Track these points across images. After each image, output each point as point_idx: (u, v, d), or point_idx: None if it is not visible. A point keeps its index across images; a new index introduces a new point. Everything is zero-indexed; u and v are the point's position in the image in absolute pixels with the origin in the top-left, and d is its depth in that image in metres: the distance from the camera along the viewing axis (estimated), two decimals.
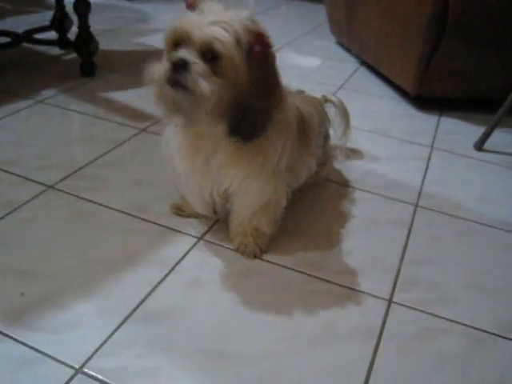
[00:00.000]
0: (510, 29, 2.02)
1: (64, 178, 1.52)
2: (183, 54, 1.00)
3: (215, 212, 1.32)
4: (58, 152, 1.66)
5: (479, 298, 1.25)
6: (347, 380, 1.00)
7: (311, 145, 1.36)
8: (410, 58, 2.14)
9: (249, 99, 1.03)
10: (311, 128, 1.34)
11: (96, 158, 1.63)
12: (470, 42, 2.03)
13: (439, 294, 1.25)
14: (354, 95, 2.34)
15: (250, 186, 1.20)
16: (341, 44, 3.01)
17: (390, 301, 1.21)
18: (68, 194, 1.45)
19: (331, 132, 1.62)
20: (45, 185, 1.48)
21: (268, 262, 1.29)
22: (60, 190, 1.46)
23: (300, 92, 1.49)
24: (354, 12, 2.60)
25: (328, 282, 1.24)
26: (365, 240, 1.41)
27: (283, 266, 1.28)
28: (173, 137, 1.22)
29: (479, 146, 1.97)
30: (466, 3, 1.93)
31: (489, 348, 1.12)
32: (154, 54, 1.07)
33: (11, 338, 1.02)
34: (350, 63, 2.77)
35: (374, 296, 1.22)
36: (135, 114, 1.93)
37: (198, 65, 0.99)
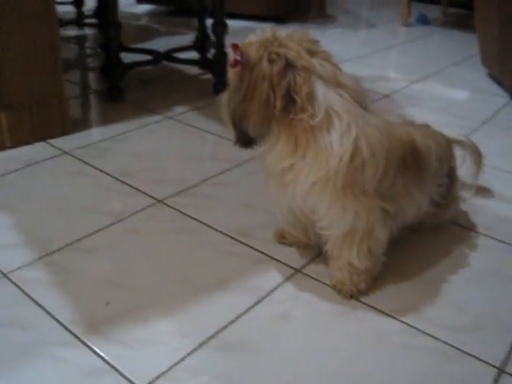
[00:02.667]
0: None
1: (175, 194, 1.52)
2: None
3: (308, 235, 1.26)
4: (175, 167, 1.67)
5: None
6: None
7: (425, 180, 1.23)
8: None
9: (233, 104, 1.08)
10: (425, 162, 1.21)
11: (211, 177, 1.62)
12: None
13: None
14: (497, 132, 2.14)
15: (319, 202, 1.11)
16: (492, 76, 2.79)
17: (502, 370, 1.05)
18: (174, 209, 1.45)
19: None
20: (155, 198, 1.49)
21: (366, 304, 1.18)
22: (168, 205, 1.47)
23: (425, 126, 1.36)
24: (508, 42, 2.40)
25: (430, 336, 1.11)
26: (482, 295, 1.24)
27: (382, 312, 1.16)
28: None
29: None
30: None
31: None
32: None
33: (86, 345, 1.02)
34: (499, 97, 2.55)
35: (483, 361, 1.06)
36: None
37: None
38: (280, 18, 3.72)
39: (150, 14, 3.86)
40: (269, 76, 1.03)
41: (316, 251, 1.32)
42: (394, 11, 4.25)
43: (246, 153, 1.73)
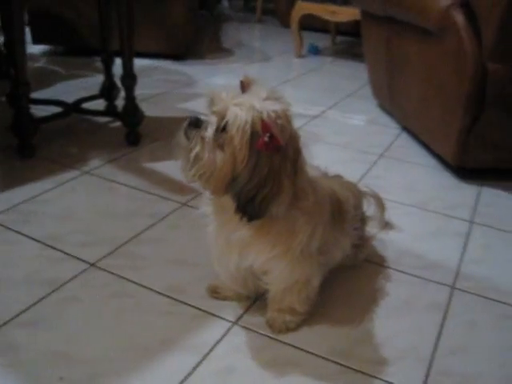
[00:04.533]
0: None
1: (105, 256, 1.57)
2: (203, 116, 1.12)
3: (248, 288, 1.38)
4: (100, 227, 1.72)
5: None
6: None
7: (346, 227, 1.39)
8: (450, 128, 2.15)
9: (247, 183, 1.07)
10: (346, 211, 1.38)
11: (137, 234, 1.69)
12: (509, 115, 2.03)
13: None
14: (394, 165, 2.35)
15: (275, 267, 1.25)
16: (383, 107, 3.03)
17: None
18: (109, 272, 1.51)
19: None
20: (87, 262, 1.54)
21: (301, 349, 1.29)
22: (101, 269, 1.52)
23: (338, 176, 1.53)
24: (394, 79, 2.63)
25: (359, 372, 1.24)
26: (398, 326, 1.40)
27: (314, 354, 1.28)
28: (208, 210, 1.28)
29: None
30: (504, 80, 1.94)
31: None
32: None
33: None
34: (391, 129, 2.78)
35: None
36: (177, 187, 1.99)
37: (207, 128, 1.09)
38: (178, 55, 3.82)
39: (47, 54, 3.83)
40: (292, 161, 1.09)
41: (246, 303, 1.43)
42: (286, 42, 4.47)
43: (166, 206, 1.84)
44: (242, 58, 4.05)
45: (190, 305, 1.41)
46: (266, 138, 1.03)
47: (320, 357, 1.28)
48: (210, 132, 1.09)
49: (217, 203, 1.22)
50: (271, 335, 1.33)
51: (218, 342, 1.30)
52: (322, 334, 1.35)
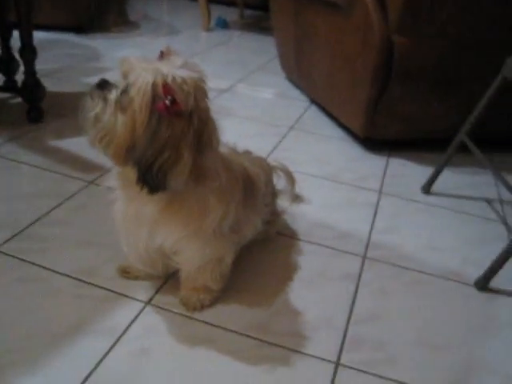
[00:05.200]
0: (453, 77, 2.09)
1: (8, 240, 1.49)
2: (111, 78, 1.07)
3: (158, 269, 1.34)
4: (2, 209, 1.62)
5: (427, 357, 1.27)
6: None
7: (257, 204, 1.38)
8: (357, 100, 2.18)
9: (145, 149, 1.02)
10: (258, 188, 1.36)
11: (42, 216, 1.61)
12: (415, 87, 2.08)
13: (387, 353, 1.27)
14: (304, 137, 2.37)
15: (186, 247, 1.22)
16: (291, 80, 3.04)
17: (338, 363, 1.22)
18: (13, 257, 1.42)
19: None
20: None
21: (216, 326, 1.28)
22: (5, 254, 1.43)
23: (247, 152, 1.51)
24: (302, 51, 2.64)
25: (275, 345, 1.25)
26: (313, 297, 1.42)
27: (231, 331, 1.27)
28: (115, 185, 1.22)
29: (426, 189, 2.01)
30: (409, 53, 1.98)
31: None
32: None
33: None
34: (300, 101, 2.80)
35: (321, 359, 1.23)
36: (84, 165, 1.91)
37: (111, 90, 1.05)
38: (82, 28, 3.67)
39: None
40: (198, 132, 1.04)
41: (158, 282, 1.40)
42: (194, 16, 4.39)
43: (73, 185, 1.76)
44: (149, 32, 3.95)
45: (99, 286, 1.36)
46: (166, 101, 0.99)
47: (236, 332, 1.27)
48: (113, 94, 1.04)
49: (123, 176, 1.16)
50: (186, 314, 1.31)
51: (131, 324, 1.26)
52: (238, 309, 1.34)
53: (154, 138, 1.00)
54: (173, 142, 1.01)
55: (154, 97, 0.99)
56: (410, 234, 1.74)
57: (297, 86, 2.97)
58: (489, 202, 2.00)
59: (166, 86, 0.99)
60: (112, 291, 1.35)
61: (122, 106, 1.03)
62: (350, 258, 1.59)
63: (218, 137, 1.12)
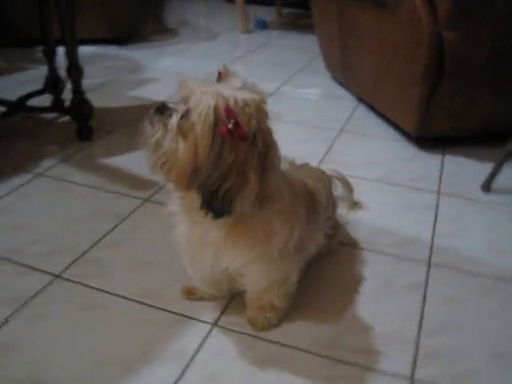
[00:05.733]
0: (506, 71, 2.01)
1: (70, 265, 1.49)
2: (171, 103, 1.05)
3: (223, 290, 1.34)
4: (60, 234, 1.63)
5: (506, 369, 1.22)
6: None
7: (320, 219, 1.35)
8: (408, 98, 2.13)
9: (209, 175, 0.99)
10: (319, 203, 1.34)
11: (100, 239, 1.61)
12: (467, 82, 2.02)
13: (463, 367, 1.22)
14: (354, 138, 2.32)
15: (252, 269, 1.20)
16: (336, 80, 2.99)
17: (412, 379, 1.18)
18: (76, 282, 1.43)
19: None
20: (52, 274, 1.46)
21: (286, 345, 1.26)
22: (67, 280, 1.44)
23: (304, 165, 1.47)
24: (347, 51, 2.59)
25: (347, 363, 1.21)
26: (380, 310, 1.38)
27: (300, 349, 1.25)
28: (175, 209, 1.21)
29: (486, 187, 1.94)
30: (460, 48, 1.92)
31: None
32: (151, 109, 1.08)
33: None
34: (347, 101, 2.75)
35: (396, 375, 1.19)
36: (137, 182, 1.91)
37: (172, 115, 1.03)
38: (121, 40, 3.69)
39: None
40: (261, 155, 1.01)
41: (222, 302, 1.38)
42: (232, 18, 4.37)
43: (128, 204, 1.76)
44: (188, 38, 3.94)
45: (165, 309, 1.35)
46: (229, 125, 0.96)
47: (306, 351, 1.25)
48: (174, 118, 1.03)
49: (185, 202, 1.14)
50: (253, 334, 1.29)
51: (200, 347, 1.25)
52: (305, 326, 1.32)
53: (217, 163, 0.98)
54: (237, 166, 0.98)
55: (217, 121, 0.97)
56: (475, 237, 1.68)
57: (343, 85, 2.91)
58: None
59: (228, 109, 0.97)
60: (177, 314, 1.34)
61: (183, 131, 1.01)
62: (415, 265, 1.54)
63: (280, 156, 1.10)
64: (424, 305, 1.40)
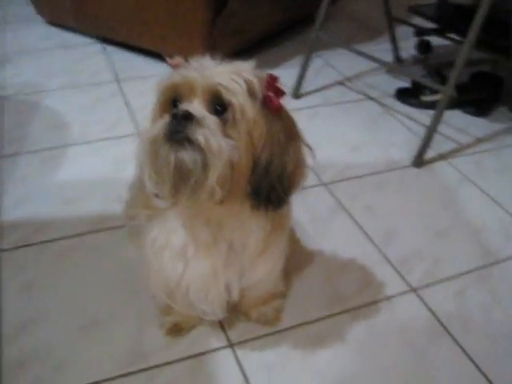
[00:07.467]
0: None
1: None
2: (187, 106, 0.82)
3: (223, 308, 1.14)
4: None
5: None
6: None
7: None
8: (191, 26, 2.08)
9: (269, 160, 0.84)
10: None
11: None
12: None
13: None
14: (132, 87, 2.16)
15: (270, 275, 1.12)
16: (58, 24, 2.62)
17: None
18: None
19: None
20: None
21: (304, 323, 1.25)
22: None
23: None
24: None
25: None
26: None
27: (319, 320, 1.26)
28: (162, 228, 1.00)
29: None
30: None
31: None
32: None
33: None
34: (90, 46, 2.47)
35: None
36: None
37: (208, 118, 0.81)
38: None
39: None
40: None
41: (214, 320, 1.21)
42: None
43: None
44: None
45: (169, 362, 1.15)
46: (273, 94, 0.84)
47: (326, 317, 1.26)
48: (210, 120, 0.80)
49: (190, 215, 0.94)
50: (272, 330, 1.23)
51: (245, 375, 1.13)
52: (308, 297, 1.31)
53: (275, 144, 0.84)
54: (289, 140, 0.87)
55: (261, 97, 0.83)
56: None
57: (73, 29, 2.57)
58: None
59: (269, 78, 0.85)
60: (185, 358, 1.16)
61: (226, 129, 0.81)
62: None
63: None
64: None
